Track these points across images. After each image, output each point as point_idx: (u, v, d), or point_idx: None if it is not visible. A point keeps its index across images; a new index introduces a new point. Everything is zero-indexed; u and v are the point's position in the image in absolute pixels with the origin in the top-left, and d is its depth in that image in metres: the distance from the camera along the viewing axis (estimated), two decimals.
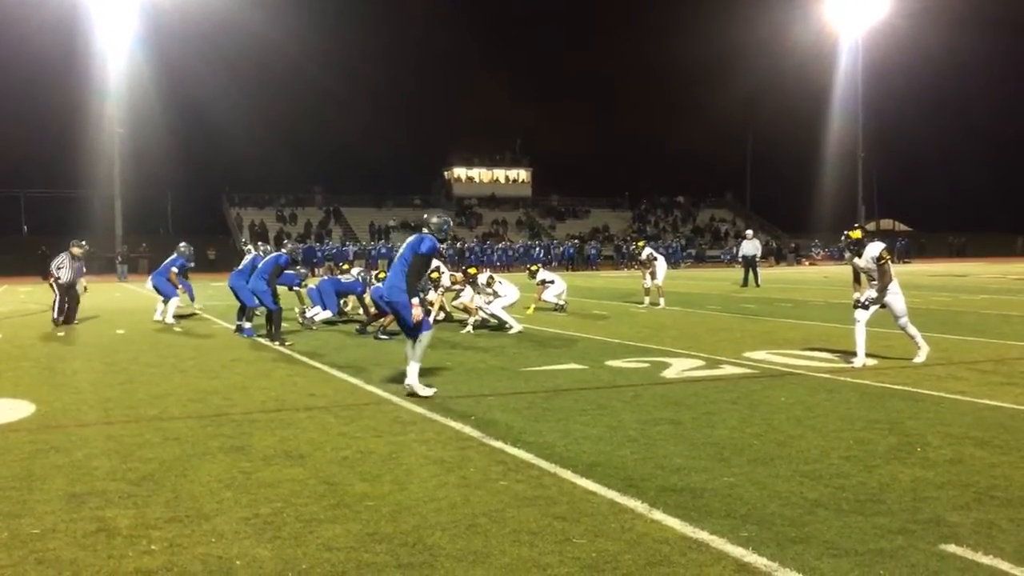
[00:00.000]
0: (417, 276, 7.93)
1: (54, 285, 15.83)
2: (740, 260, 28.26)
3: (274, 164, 61.10)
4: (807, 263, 54.83)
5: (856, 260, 9.50)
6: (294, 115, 62.01)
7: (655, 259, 18.97)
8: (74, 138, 48.26)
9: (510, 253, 53.09)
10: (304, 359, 10.51)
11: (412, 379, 7.82)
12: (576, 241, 56.01)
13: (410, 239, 8.11)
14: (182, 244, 16.78)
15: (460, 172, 72.57)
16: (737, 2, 78.30)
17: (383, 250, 49.62)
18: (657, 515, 4.41)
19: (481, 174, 72.99)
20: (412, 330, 7.88)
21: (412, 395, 7.74)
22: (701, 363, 9.74)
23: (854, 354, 9.51)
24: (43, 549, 4.07)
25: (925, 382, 8.30)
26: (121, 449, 6.01)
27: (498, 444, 5.97)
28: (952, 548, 3.89)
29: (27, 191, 55.62)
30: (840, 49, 58.43)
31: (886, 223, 74.07)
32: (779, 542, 4.01)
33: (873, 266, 9.30)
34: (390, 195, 65.56)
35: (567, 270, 48.02)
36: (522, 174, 73.95)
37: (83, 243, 16.64)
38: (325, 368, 9.76)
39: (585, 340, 12.32)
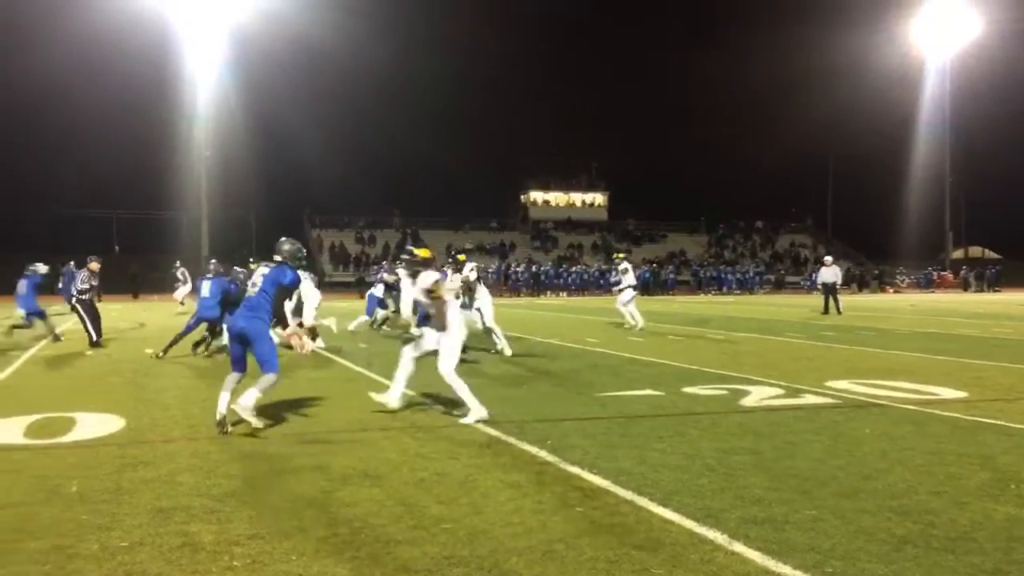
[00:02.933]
0: (279, 307, 7.68)
1: (79, 306, 15.28)
2: (819, 287, 27.64)
3: (354, 186, 62.14)
4: (891, 290, 53.38)
5: None
6: (374, 138, 63.07)
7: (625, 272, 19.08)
8: (164, 160, 49.97)
9: (585, 277, 52.94)
10: (385, 380, 10.62)
11: (248, 403, 7.30)
12: (653, 265, 55.58)
13: (267, 271, 7.74)
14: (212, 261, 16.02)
15: (536, 196, 72.83)
16: (819, 24, 76.91)
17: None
18: (737, 547, 4.32)
19: (557, 198, 73.14)
20: (265, 363, 7.51)
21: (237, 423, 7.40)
22: (781, 391, 9.54)
23: (946, 387, 9.20)
24: (131, 562, 4.19)
25: (1018, 416, 7.98)
26: (205, 465, 6.16)
27: (574, 470, 5.93)
28: None
29: (118, 212, 57.66)
30: (927, 71, 57.12)
31: (975, 250, 71.69)
32: None
33: None
34: (467, 218, 66.11)
35: (642, 295, 47.62)
36: (598, 198, 73.85)
37: (99, 259, 16.28)
38: (404, 390, 9.84)
39: (661, 366, 12.19)
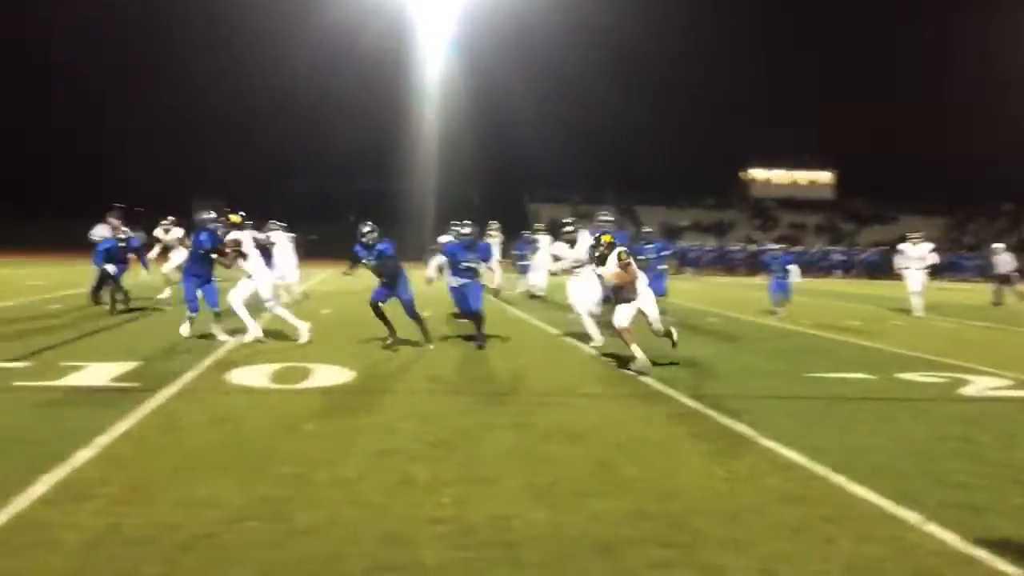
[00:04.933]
0: None
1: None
2: (995, 276, 25.19)
3: (572, 161, 62.80)
4: None
5: None
6: (593, 112, 63.20)
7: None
8: (396, 135, 52.88)
9: (806, 257, 50.96)
10: (591, 350, 10.96)
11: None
12: (882, 248, 52.60)
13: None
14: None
15: (757, 173, 70.76)
16: None
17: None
18: (932, 528, 4.29)
19: (780, 175, 70.71)
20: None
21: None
22: (1009, 383, 8.99)
23: None
24: (356, 492, 4.74)
25: None
26: (422, 415, 6.73)
27: (770, 444, 5.99)
28: None
29: (355, 183, 61.48)
30: None
31: None
32: None
33: None
34: (684, 194, 65.25)
35: (869, 279, 45.28)
36: (823, 175, 70.70)
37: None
38: (608, 360, 10.13)
39: (877, 350, 11.75)
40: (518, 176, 63.44)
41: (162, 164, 58.16)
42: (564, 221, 12.37)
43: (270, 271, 11.57)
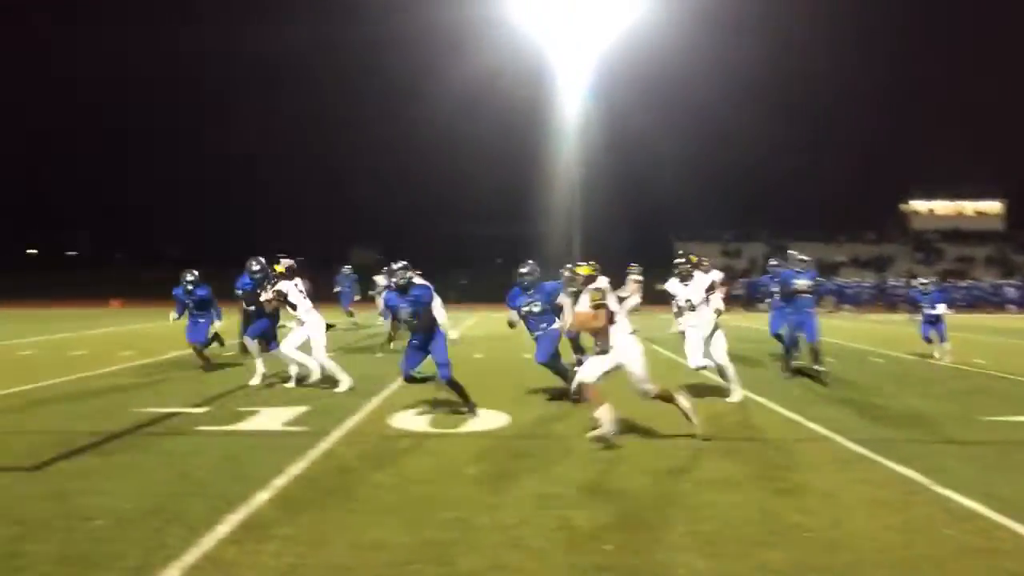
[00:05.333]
0: None
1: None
2: None
3: (719, 198, 61.94)
4: None
5: None
6: (738, 149, 62.27)
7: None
8: (536, 178, 53.73)
9: (975, 292, 48.10)
10: (746, 392, 10.70)
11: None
12: None
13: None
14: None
15: (918, 204, 67.56)
16: None
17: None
18: None
19: (943, 206, 67.26)
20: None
21: None
22: None
23: None
24: (517, 537, 4.82)
25: None
26: (580, 461, 6.76)
27: (945, 492, 5.70)
28: None
29: (491, 227, 62.66)
30: None
31: None
32: None
33: None
34: (841, 229, 62.96)
35: None
36: (993, 205, 66.74)
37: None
38: (763, 401, 9.87)
39: None
40: (663, 216, 63.00)
41: (316, 213, 61.12)
42: (679, 254, 11.05)
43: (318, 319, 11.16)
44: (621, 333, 7.50)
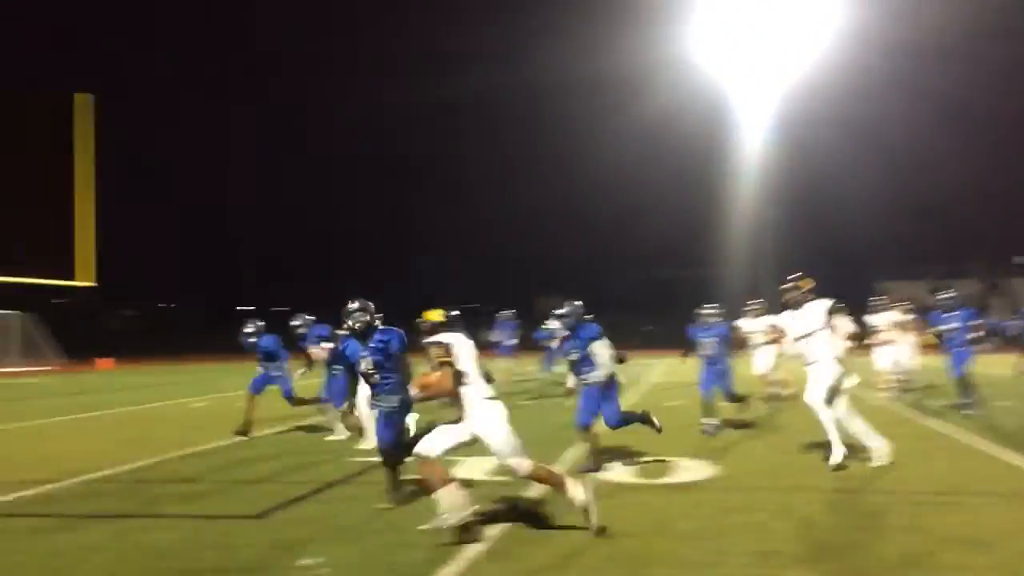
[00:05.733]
0: None
1: None
2: None
3: (923, 235, 58.13)
4: None
5: None
6: (938, 182, 58.39)
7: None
8: (717, 220, 52.59)
9: None
10: (959, 438, 9.83)
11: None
12: None
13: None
14: None
15: None
16: None
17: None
18: None
19: None
20: None
21: None
22: None
23: None
24: None
25: None
26: (797, 514, 6.35)
27: None
28: None
29: (666, 270, 61.48)
30: None
31: None
32: None
33: None
34: None
35: None
36: None
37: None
38: (985, 449, 9.01)
39: None
40: (861, 254, 59.86)
41: (503, 264, 62.35)
42: (789, 278, 8.67)
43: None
44: (476, 397, 6.00)
